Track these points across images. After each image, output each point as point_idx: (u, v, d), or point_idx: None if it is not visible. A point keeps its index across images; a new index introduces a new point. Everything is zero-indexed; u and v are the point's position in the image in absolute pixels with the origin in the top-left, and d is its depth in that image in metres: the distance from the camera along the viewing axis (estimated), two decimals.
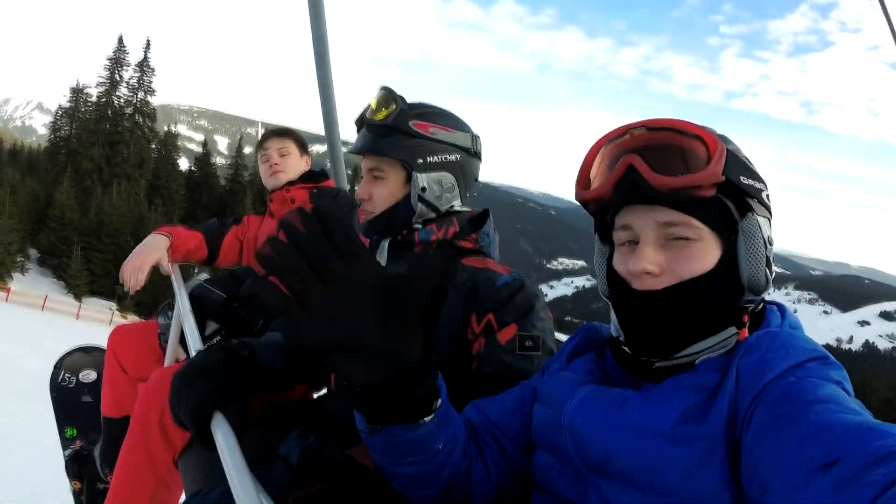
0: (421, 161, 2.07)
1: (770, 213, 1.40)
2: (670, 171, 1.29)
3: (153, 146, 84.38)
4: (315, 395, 2.87)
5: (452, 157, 2.10)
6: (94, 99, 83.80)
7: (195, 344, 2.27)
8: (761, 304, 1.40)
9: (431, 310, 1.07)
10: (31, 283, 56.10)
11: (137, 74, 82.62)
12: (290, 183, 3.87)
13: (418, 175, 2.08)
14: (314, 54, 4.18)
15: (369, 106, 2.07)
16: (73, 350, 3.86)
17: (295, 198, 3.81)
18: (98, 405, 3.50)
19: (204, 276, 3.17)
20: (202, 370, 1.84)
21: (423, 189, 2.09)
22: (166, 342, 2.98)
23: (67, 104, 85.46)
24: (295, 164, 3.93)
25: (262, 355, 2.13)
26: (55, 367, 3.79)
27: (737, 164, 1.33)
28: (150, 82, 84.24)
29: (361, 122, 2.10)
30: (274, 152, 3.89)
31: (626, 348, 1.44)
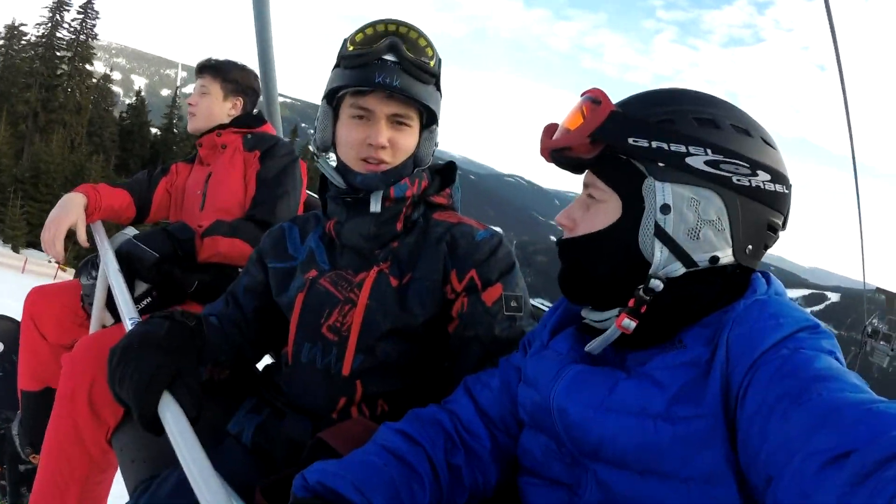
0: (438, 115, 1.94)
1: (718, 183, 1.29)
2: (555, 137, 1.42)
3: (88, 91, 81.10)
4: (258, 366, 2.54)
5: (439, 114, 1.96)
6: (29, 39, 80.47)
7: (127, 309, 2.09)
8: (656, 290, 1.30)
9: None
10: None
11: (80, 16, 79.21)
12: (222, 126, 3.36)
13: (436, 128, 1.98)
14: (253, 5, 3.98)
15: (402, 41, 1.81)
16: None
17: (227, 143, 3.33)
18: (8, 379, 3.26)
19: (131, 230, 2.86)
20: (147, 343, 1.65)
21: (436, 144, 2.00)
22: (90, 305, 2.73)
23: (0, 42, 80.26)
24: (212, 108, 3.39)
25: (209, 327, 1.96)
26: None
27: (629, 125, 1.32)
28: (94, 26, 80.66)
29: (374, 56, 1.78)
30: (196, 90, 3.46)
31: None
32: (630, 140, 1.31)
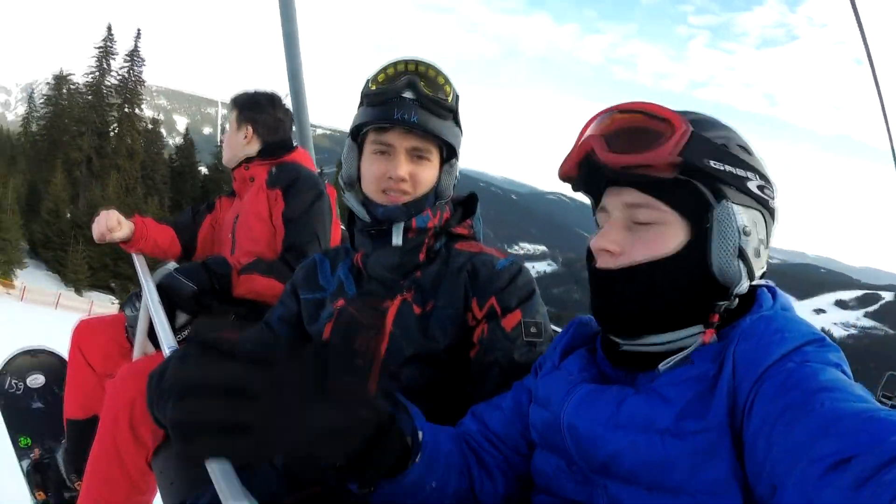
0: (458, 148, 1.99)
1: (763, 206, 1.34)
2: (627, 151, 1.29)
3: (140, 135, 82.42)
4: None
5: (459, 148, 2.01)
6: (77, 87, 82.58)
7: (166, 337, 2.15)
8: (736, 301, 1.33)
9: (359, 369, 1.12)
10: (30, 278, 55.47)
11: (127, 64, 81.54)
12: (249, 159, 3.36)
13: (455, 162, 2.01)
14: (283, 35, 4.03)
15: (420, 79, 1.87)
16: (18, 353, 3.62)
17: (255, 175, 3.33)
18: (50, 411, 3.35)
19: (172, 264, 2.93)
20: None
21: (457, 176, 2.03)
22: (134, 335, 2.81)
23: (49, 92, 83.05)
24: (231, 140, 3.40)
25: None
26: (0, 372, 3.55)
27: (706, 147, 1.29)
28: (141, 72, 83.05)
29: (394, 94, 1.84)
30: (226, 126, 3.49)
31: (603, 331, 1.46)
32: (710, 162, 1.29)
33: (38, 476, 3.30)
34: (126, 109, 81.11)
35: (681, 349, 1.30)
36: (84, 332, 3.12)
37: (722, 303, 1.31)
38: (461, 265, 1.92)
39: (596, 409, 1.32)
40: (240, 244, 3.20)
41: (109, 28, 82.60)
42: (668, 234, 1.31)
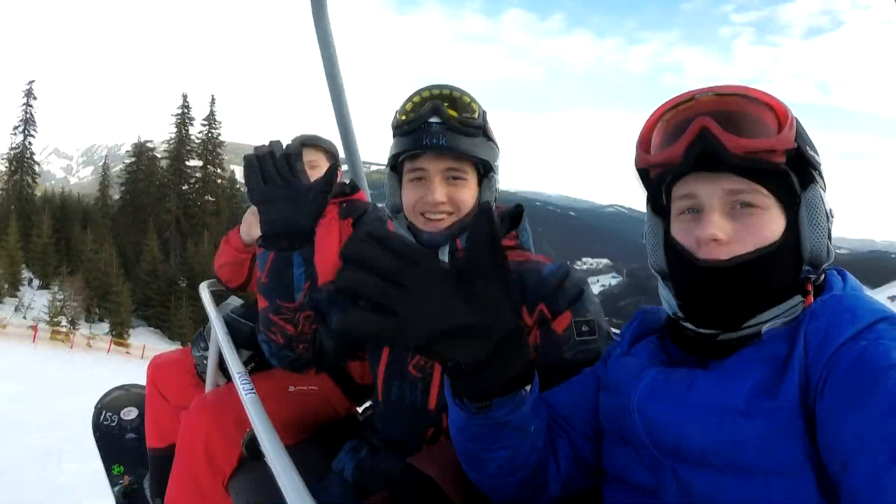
0: (496, 164, 1.97)
1: (822, 188, 1.30)
2: (744, 135, 1.22)
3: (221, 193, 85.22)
4: (360, 410, 2.82)
5: (498, 161, 1.99)
6: (156, 153, 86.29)
7: (236, 366, 2.19)
8: (823, 275, 1.31)
9: (501, 270, 1.11)
10: (138, 336, 57.22)
11: (205, 126, 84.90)
12: None
13: (495, 177, 1.99)
14: (326, 75, 3.97)
15: (444, 102, 1.88)
16: (113, 389, 3.78)
17: (326, 213, 3.25)
18: (141, 441, 3.37)
19: (234, 301, 3.08)
20: None
21: (496, 192, 2.01)
22: (202, 372, 2.93)
23: (130, 160, 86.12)
24: None
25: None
26: (96, 408, 3.67)
27: (805, 134, 1.28)
28: (218, 135, 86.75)
29: (420, 122, 1.86)
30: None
31: (687, 324, 1.35)
32: (808, 149, 1.27)
33: (127, 501, 3.43)
34: (208, 169, 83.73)
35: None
36: (158, 368, 3.24)
37: (813, 275, 1.28)
38: None
39: (665, 392, 1.29)
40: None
41: (185, 97, 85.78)
42: (770, 221, 1.25)
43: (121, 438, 3.62)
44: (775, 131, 1.24)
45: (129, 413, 3.67)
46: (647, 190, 1.46)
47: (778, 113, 1.26)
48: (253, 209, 3.10)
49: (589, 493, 1.52)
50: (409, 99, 1.91)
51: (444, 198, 1.89)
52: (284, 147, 1.92)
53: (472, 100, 1.91)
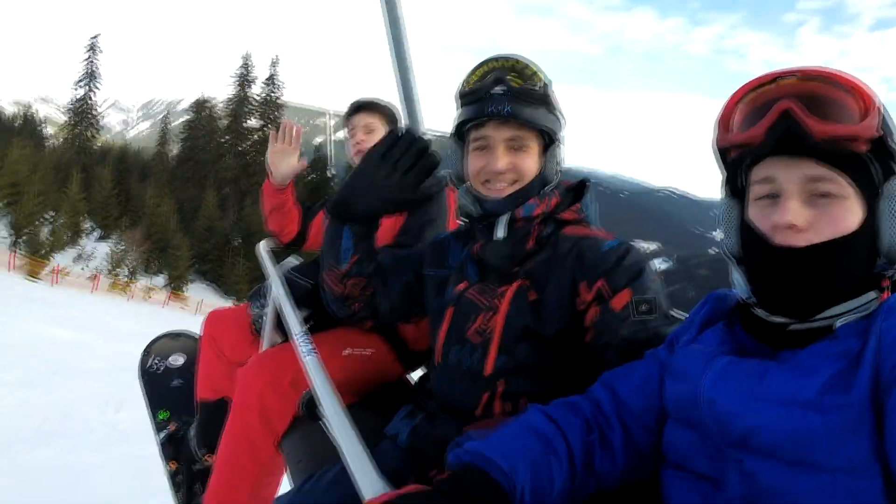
0: (560, 135, 1.97)
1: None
2: (833, 121, 1.18)
3: None
4: (410, 376, 2.83)
5: (562, 133, 1.99)
6: (217, 111, 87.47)
7: (296, 325, 2.21)
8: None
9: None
10: (194, 291, 58.53)
11: (267, 87, 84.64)
12: None
13: (559, 148, 1.99)
14: (390, 39, 3.54)
15: (508, 72, 1.91)
16: (161, 336, 3.82)
17: None
18: (187, 388, 3.44)
19: (292, 260, 3.06)
20: None
21: (559, 163, 2.00)
22: (258, 329, 2.94)
23: (189, 116, 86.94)
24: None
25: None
26: (143, 352, 3.71)
27: (889, 123, 1.23)
28: (279, 97, 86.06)
29: (484, 91, 1.89)
30: (359, 129, 3.39)
31: (758, 311, 1.31)
32: (892, 139, 1.24)
33: (172, 448, 3.42)
34: (267, 129, 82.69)
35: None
36: (215, 322, 3.24)
37: (889, 270, 1.24)
38: (568, 250, 1.90)
39: (736, 382, 1.25)
40: None
41: (247, 56, 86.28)
42: (849, 210, 1.21)
43: (167, 384, 3.67)
44: (859, 118, 1.20)
45: (177, 360, 3.72)
46: (724, 171, 1.42)
47: (864, 99, 1.21)
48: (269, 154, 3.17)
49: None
50: (475, 69, 1.96)
51: (507, 166, 1.91)
52: (420, 140, 1.99)
53: (537, 70, 1.93)
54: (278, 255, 3.20)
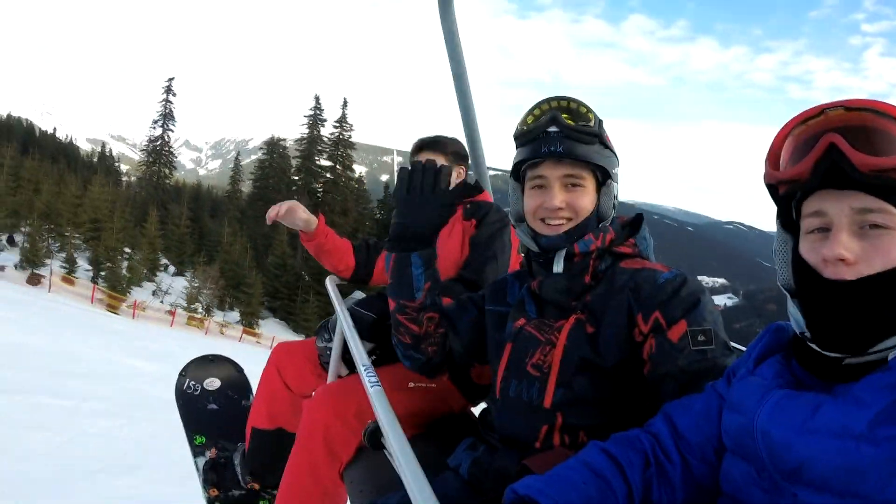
0: (614, 171, 2.00)
1: None
2: (873, 152, 1.17)
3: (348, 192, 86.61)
4: (473, 408, 2.88)
5: (617, 169, 2.03)
6: (288, 151, 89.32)
7: (361, 358, 2.23)
8: None
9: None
10: (265, 326, 59.68)
11: (337, 129, 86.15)
12: None
13: (613, 184, 2.01)
14: (452, 77, 3.99)
15: (561, 112, 1.94)
16: (198, 359, 3.83)
17: None
18: (223, 414, 3.51)
19: (358, 294, 3.14)
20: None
21: (615, 198, 2.03)
22: (325, 363, 3.00)
23: (258, 154, 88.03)
24: None
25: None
26: (180, 374, 3.73)
27: None
28: (350, 137, 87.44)
29: (539, 131, 1.93)
30: None
31: (812, 345, 1.28)
32: None
33: (214, 475, 3.45)
34: (338, 170, 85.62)
35: None
36: (283, 353, 3.30)
37: None
38: (624, 283, 1.91)
39: (790, 414, 1.23)
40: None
41: (317, 98, 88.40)
42: None
43: (203, 407, 3.70)
44: None
45: (212, 384, 3.76)
46: (776, 205, 1.40)
47: None
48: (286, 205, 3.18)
49: None
50: (530, 111, 1.99)
51: (563, 203, 1.95)
52: (430, 165, 2.20)
53: (589, 109, 1.97)
54: (345, 291, 3.24)
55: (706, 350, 1.75)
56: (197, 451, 3.61)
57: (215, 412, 3.68)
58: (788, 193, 1.34)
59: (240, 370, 3.89)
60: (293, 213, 3.18)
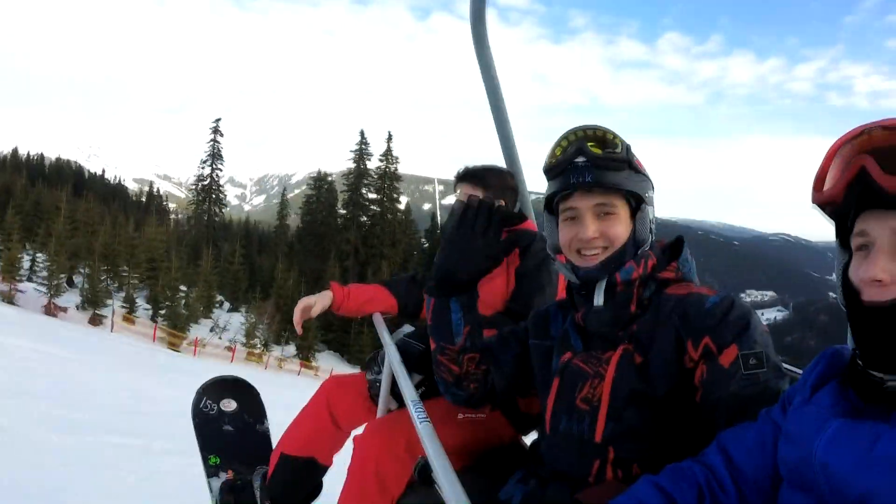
0: (647, 195, 1.96)
1: None
2: None
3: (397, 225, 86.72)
4: (524, 439, 2.82)
5: (651, 193, 1.99)
6: (334, 184, 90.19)
7: (410, 394, 2.21)
8: None
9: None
10: (320, 359, 59.99)
11: (382, 162, 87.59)
12: None
13: (648, 208, 1.97)
14: (490, 107, 3.98)
15: (587, 141, 1.90)
16: (216, 378, 3.77)
17: None
18: (239, 436, 3.47)
19: (407, 327, 3.10)
20: None
21: (651, 223, 1.98)
22: (375, 395, 2.97)
23: (303, 189, 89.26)
24: None
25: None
26: (197, 392, 3.67)
27: None
28: (395, 169, 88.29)
29: (567, 163, 1.90)
30: (462, 199, 3.38)
31: (859, 362, 1.27)
32: None
33: (231, 497, 3.38)
34: (385, 202, 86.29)
35: None
36: (334, 386, 3.27)
37: None
38: (671, 310, 1.86)
39: (849, 446, 1.20)
40: (480, 300, 3.04)
41: (362, 133, 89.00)
42: None
43: (219, 428, 3.64)
44: None
45: (229, 404, 3.68)
46: (833, 223, 1.38)
47: None
48: (299, 312, 3.21)
49: None
50: (557, 143, 1.96)
51: (597, 233, 1.91)
52: (484, 202, 2.16)
53: (615, 136, 1.93)
54: (394, 324, 3.24)
55: (758, 374, 1.70)
56: (211, 472, 3.56)
57: (230, 434, 3.62)
58: (837, 213, 1.32)
59: (256, 394, 3.83)
60: (309, 309, 3.22)
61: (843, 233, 1.34)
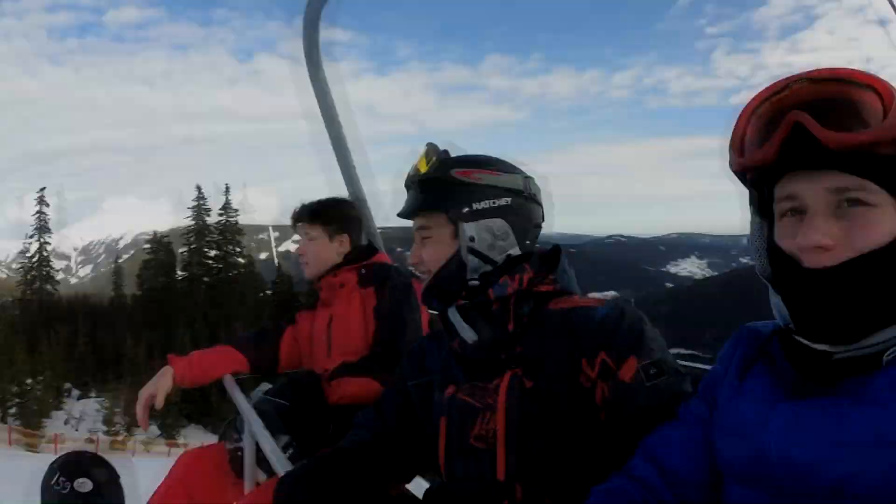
0: (466, 210, 1.77)
1: None
2: (843, 127, 1.04)
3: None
4: (407, 487, 2.43)
5: (502, 202, 1.79)
6: (171, 245, 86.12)
7: (279, 460, 2.05)
8: None
9: None
10: (189, 434, 57.01)
11: (221, 217, 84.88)
12: (336, 266, 3.13)
13: (464, 225, 1.78)
14: (329, 137, 4.03)
15: (413, 169, 1.86)
16: (71, 453, 3.44)
17: (344, 282, 3.10)
18: None
19: (265, 385, 2.80)
20: None
21: (472, 239, 1.78)
22: (239, 467, 2.65)
23: (148, 255, 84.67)
24: (321, 253, 3.17)
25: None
26: (49, 466, 3.30)
27: None
28: (237, 223, 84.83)
29: (408, 184, 1.88)
30: (302, 241, 3.23)
31: (799, 338, 1.16)
32: None
33: None
34: (228, 258, 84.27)
35: None
36: (190, 463, 2.89)
37: None
38: (557, 326, 1.73)
39: (811, 430, 1.12)
40: (336, 346, 3.07)
41: (199, 188, 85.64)
42: (883, 219, 1.08)
43: None
44: (880, 118, 1.06)
45: (84, 485, 3.25)
46: (748, 189, 1.29)
47: (883, 97, 1.08)
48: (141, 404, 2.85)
49: None
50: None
51: (416, 259, 1.88)
52: None
53: (430, 154, 1.85)
54: (248, 383, 3.01)
55: (660, 383, 1.61)
56: None
57: None
58: (757, 178, 1.24)
59: (115, 475, 3.38)
60: (152, 399, 2.85)
61: (759, 199, 1.26)
